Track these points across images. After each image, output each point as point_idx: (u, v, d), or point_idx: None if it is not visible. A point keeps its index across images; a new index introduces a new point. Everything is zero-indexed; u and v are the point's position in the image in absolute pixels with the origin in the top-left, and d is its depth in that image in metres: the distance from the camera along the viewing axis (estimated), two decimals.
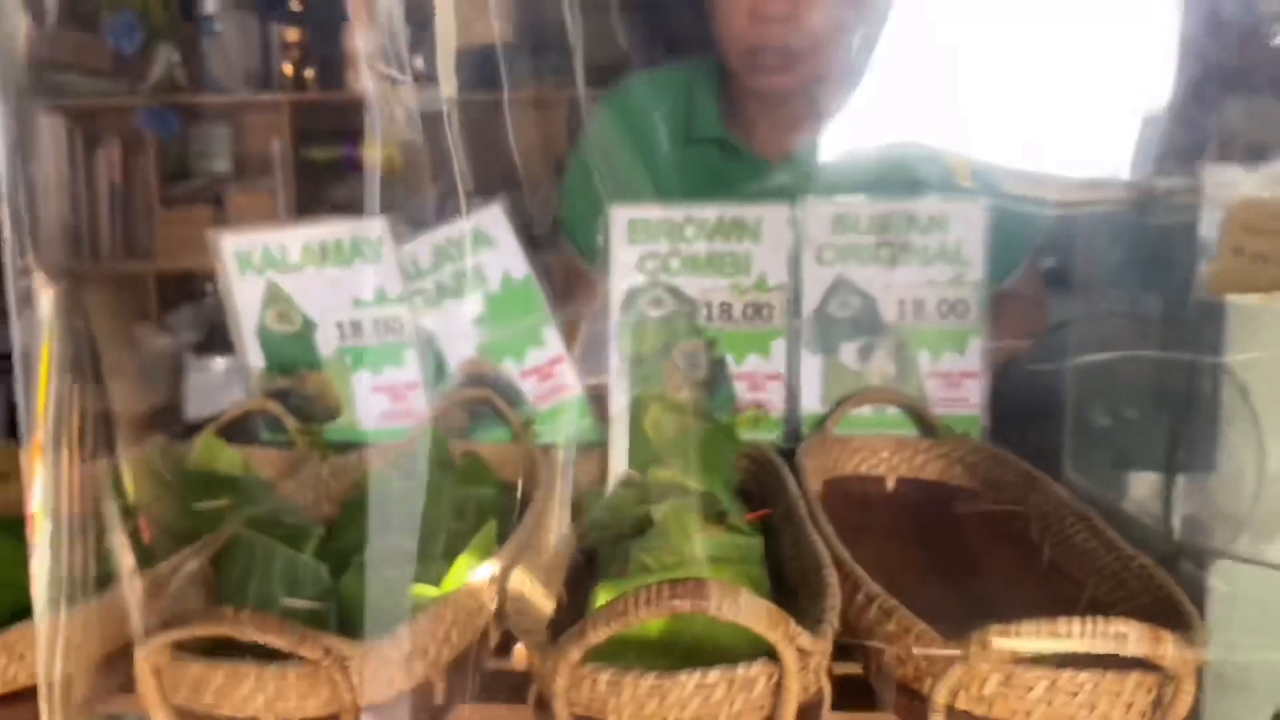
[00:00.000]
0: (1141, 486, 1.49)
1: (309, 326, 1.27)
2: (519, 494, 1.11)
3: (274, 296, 1.27)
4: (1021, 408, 1.60)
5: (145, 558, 0.77)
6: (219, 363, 2.86)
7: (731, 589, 0.57)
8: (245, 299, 1.28)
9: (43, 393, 0.60)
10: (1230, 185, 1.26)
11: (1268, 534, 1.36)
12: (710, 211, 1.26)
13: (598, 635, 0.58)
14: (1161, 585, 0.74)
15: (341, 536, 0.90)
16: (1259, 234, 1.23)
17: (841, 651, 0.75)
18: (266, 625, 0.57)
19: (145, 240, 3.45)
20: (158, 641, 0.59)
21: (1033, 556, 0.95)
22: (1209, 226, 1.29)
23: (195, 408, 2.85)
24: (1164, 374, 1.45)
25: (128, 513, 0.82)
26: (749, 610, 0.57)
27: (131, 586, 0.73)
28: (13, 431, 0.64)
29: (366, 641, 0.62)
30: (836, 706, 0.70)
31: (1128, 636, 0.57)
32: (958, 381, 1.24)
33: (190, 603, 0.72)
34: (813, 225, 1.24)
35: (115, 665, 0.71)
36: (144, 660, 0.60)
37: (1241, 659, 1.33)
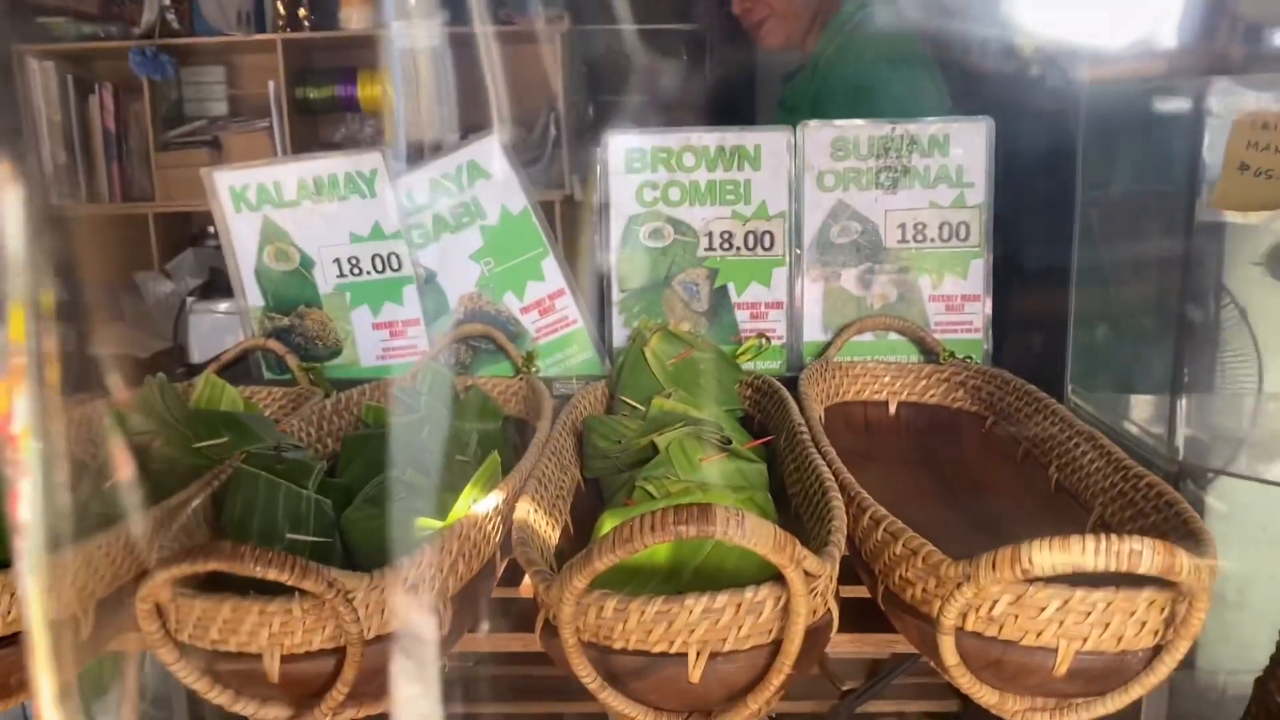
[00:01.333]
0: (1143, 407, 1.49)
1: (306, 263, 1.26)
2: (523, 427, 1.11)
3: (271, 233, 1.26)
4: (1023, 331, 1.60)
5: (146, 495, 0.77)
6: (220, 306, 2.85)
7: (737, 513, 0.57)
8: (241, 237, 1.26)
9: (19, 317, 0.59)
10: (1236, 100, 1.24)
11: (1267, 452, 1.36)
12: (709, 138, 1.24)
13: (604, 563, 0.58)
14: (1171, 503, 0.73)
15: (344, 472, 0.90)
16: (1263, 150, 1.21)
17: (849, 574, 0.75)
18: (269, 560, 0.57)
19: (143, 184, 3.42)
20: (159, 579, 0.58)
21: (1038, 477, 0.95)
22: (1212, 146, 1.27)
23: (199, 351, 2.85)
24: (1164, 295, 1.44)
25: (124, 450, 0.82)
26: (755, 534, 0.56)
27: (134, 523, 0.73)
28: None
29: (371, 574, 0.61)
30: (844, 629, 0.70)
31: (1142, 554, 0.56)
32: (959, 305, 1.23)
33: (193, 540, 0.72)
34: (812, 150, 1.22)
35: (123, 601, 0.72)
36: (145, 597, 0.59)
37: (1240, 575, 1.34)
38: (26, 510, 0.63)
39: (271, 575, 0.57)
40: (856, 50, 1.67)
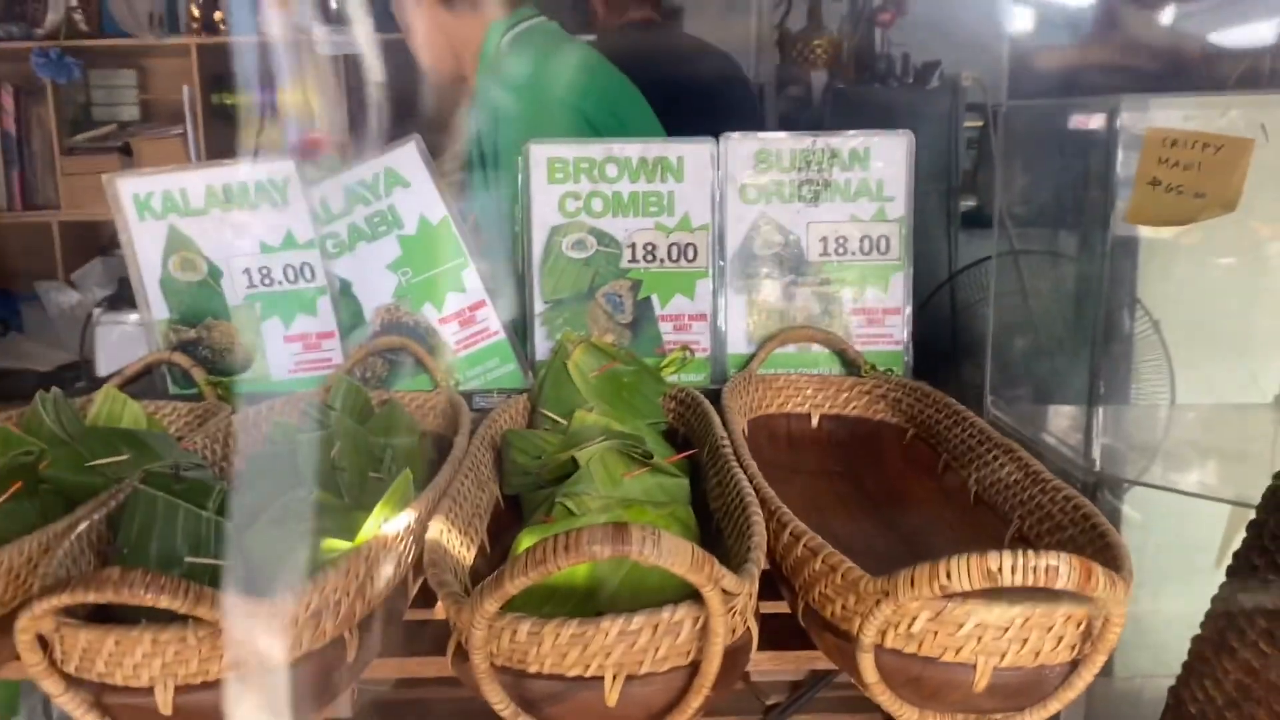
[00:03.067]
0: (1061, 419, 1.51)
1: (214, 274, 1.22)
2: (441, 442, 1.08)
3: (176, 243, 1.21)
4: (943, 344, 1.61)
5: (34, 517, 0.73)
6: (130, 317, 2.76)
7: (653, 533, 0.55)
8: (145, 246, 1.22)
9: None
10: (1146, 117, 1.27)
11: (1180, 462, 1.39)
12: (632, 149, 1.22)
13: (515, 585, 0.56)
14: (1088, 516, 0.73)
15: (249, 491, 0.86)
16: (1173, 166, 1.23)
17: (770, 589, 0.74)
18: (160, 586, 0.54)
19: (46, 190, 3.31)
20: (40, 608, 0.55)
21: (958, 490, 0.95)
22: (1126, 163, 1.29)
23: (106, 364, 2.75)
24: (1081, 309, 1.47)
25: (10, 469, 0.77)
26: (671, 553, 0.55)
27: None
28: None
29: (270, 600, 0.59)
30: (764, 646, 0.69)
31: (1059, 570, 0.55)
32: (880, 318, 1.23)
33: (80, 565, 0.68)
34: (734, 162, 1.22)
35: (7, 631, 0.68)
36: (25, 627, 0.56)
37: (1156, 582, 1.36)
38: None
39: (163, 603, 0.54)
40: (507, 73, 1.68)
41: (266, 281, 1.22)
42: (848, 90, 3.00)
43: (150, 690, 0.59)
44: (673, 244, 1.23)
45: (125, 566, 0.54)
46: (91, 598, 0.54)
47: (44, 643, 0.59)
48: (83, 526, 0.71)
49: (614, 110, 1.65)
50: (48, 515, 0.75)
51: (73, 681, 0.59)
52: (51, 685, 0.58)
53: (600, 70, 1.71)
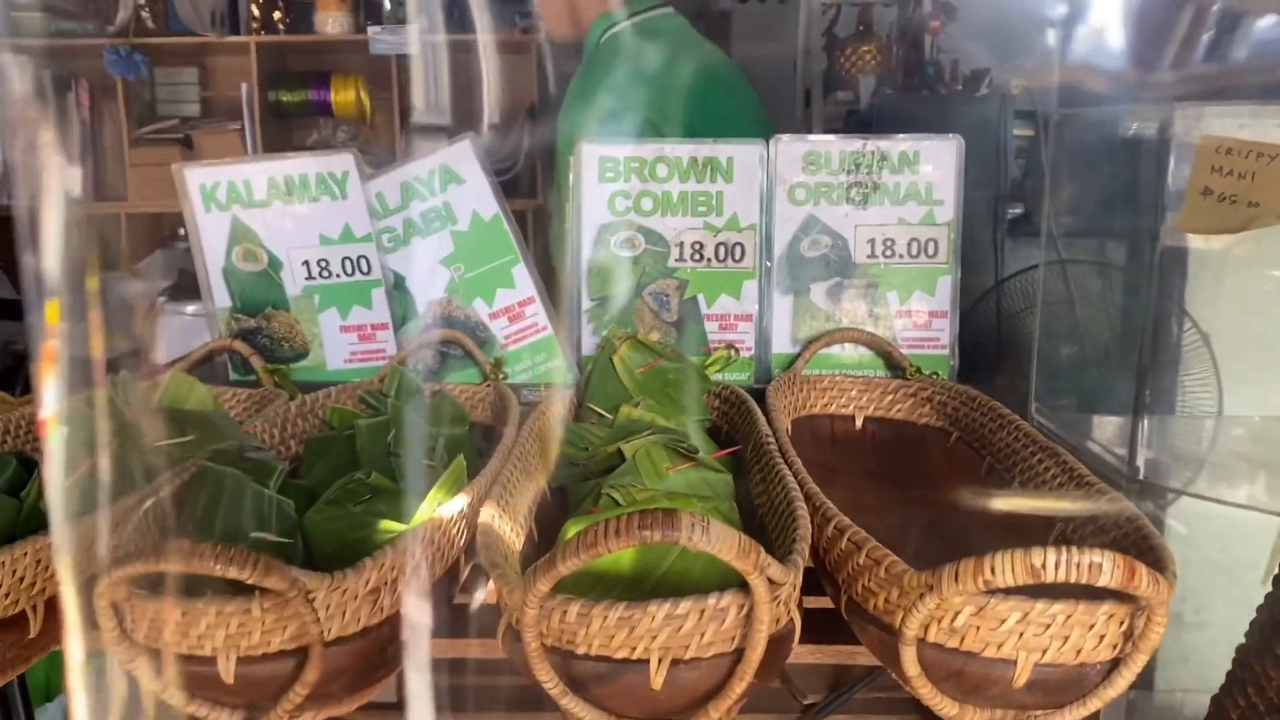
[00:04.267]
0: (1105, 428, 1.50)
1: (274, 265, 1.25)
2: (489, 433, 1.10)
3: (240, 234, 1.25)
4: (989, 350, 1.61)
5: (102, 493, 0.76)
6: (188, 308, 2.82)
7: (702, 520, 0.57)
8: (210, 236, 1.25)
9: (54, 303, 0.59)
10: (1200, 125, 1.26)
11: (1226, 474, 1.38)
12: (682, 149, 1.24)
13: (568, 566, 0.57)
14: (1132, 519, 0.74)
15: (307, 474, 0.89)
16: (1227, 175, 1.23)
17: (812, 585, 0.75)
18: (230, 558, 0.56)
19: (115, 183, 3.39)
20: (115, 577, 0.57)
21: (1002, 493, 0.95)
22: (1177, 172, 1.29)
23: (167, 353, 2.82)
24: (1128, 319, 1.46)
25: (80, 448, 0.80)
26: (719, 540, 0.56)
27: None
28: None
29: (333, 574, 0.61)
30: (806, 639, 0.70)
31: (1102, 567, 0.56)
32: (927, 321, 1.23)
33: (147, 539, 0.71)
34: (784, 164, 1.23)
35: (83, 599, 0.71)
36: (102, 596, 0.58)
37: (1198, 596, 1.35)
38: (53, 494, 0.63)
39: (233, 573, 0.56)
40: (607, 68, 1.69)
41: (325, 273, 1.25)
42: (896, 97, 2.99)
43: (213, 660, 0.61)
44: (720, 243, 1.25)
45: (199, 539, 0.57)
46: (164, 568, 0.57)
47: (115, 611, 0.62)
48: (150, 503, 0.73)
49: (694, 127, 1.62)
50: (115, 492, 0.78)
51: (142, 648, 0.62)
52: (123, 652, 0.61)
53: (700, 80, 1.68)
